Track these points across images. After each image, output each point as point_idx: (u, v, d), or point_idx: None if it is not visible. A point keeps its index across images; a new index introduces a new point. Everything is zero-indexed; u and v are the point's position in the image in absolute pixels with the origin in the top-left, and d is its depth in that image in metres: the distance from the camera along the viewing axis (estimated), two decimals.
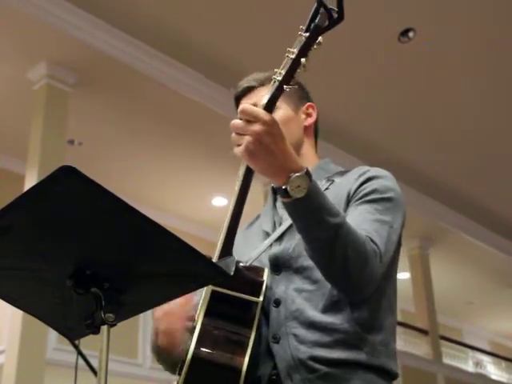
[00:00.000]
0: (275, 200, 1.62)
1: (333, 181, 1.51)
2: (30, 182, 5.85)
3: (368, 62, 6.82)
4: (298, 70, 1.22)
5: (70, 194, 0.94)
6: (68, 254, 1.04)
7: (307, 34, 1.20)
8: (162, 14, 6.08)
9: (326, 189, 1.48)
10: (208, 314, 1.34)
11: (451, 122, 7.81)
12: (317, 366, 1.32)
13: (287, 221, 1.47)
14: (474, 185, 9.19)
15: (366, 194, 1.41)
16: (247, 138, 1.20)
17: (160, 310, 1.41)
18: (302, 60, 1.21)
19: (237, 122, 1.22)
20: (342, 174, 1.54)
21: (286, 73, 1.22)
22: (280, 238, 1.48)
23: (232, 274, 1.27)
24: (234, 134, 1.23)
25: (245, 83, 1.61)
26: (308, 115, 1.64)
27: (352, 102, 7.30)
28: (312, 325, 1.35)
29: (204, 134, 7.37)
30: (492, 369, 13.40)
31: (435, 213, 9.70)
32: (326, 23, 1.20)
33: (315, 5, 1.21)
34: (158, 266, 1.07)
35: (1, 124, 7.07)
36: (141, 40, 6.29)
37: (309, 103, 1.65)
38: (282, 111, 1.57)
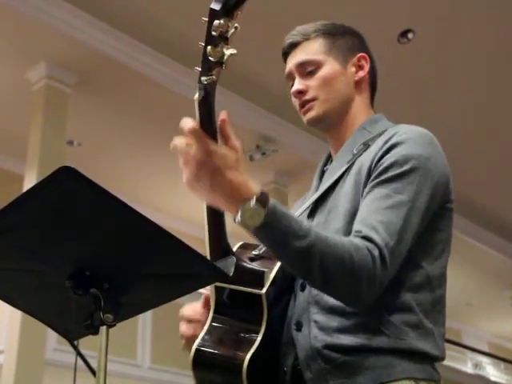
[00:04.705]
0: (325, 165, 1.49)
1: (369, 145, 1.36)
2: (30, 182, 5.83)
3: None
4: (211, 59, 1.10)
5: (69, 194, 0.94)
6: (67, 255, 1.04)
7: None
8: (162, 15, 6.07)
9: (360, 155, 1.35)
10: (216, 309, 1.32)
11: (451, 123, 7.80)
12: (333, 354, 1.23)
13: (317, 192, 1.37)
14: (473, 186, 9.18)
15: (384, 171, 1.26)
16: (188, 169, 1.12)
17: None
18: (208, 48, 1.09)
19: (178, 146, 1.13)
20: (380, 134, 1.38)
21: (201, 64, 1.10)
22: (311, 214, 1.38)
23: (231, 274, 1.25)
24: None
25: (289, 38, 1.45)
26: (360, 68, 1.46)
27: None
28: (331, 309, 1.26)
29: None
30: (491, 370, 13.40)
31: None
32: (220, 5, 1.08)
33: None
34: (157, 266, 1.07)
35: (0, 124, 7.06)
36: (141, 41, 6.28)
37: (361, 54, 1.47)
38: (328, 67, 1.41)
